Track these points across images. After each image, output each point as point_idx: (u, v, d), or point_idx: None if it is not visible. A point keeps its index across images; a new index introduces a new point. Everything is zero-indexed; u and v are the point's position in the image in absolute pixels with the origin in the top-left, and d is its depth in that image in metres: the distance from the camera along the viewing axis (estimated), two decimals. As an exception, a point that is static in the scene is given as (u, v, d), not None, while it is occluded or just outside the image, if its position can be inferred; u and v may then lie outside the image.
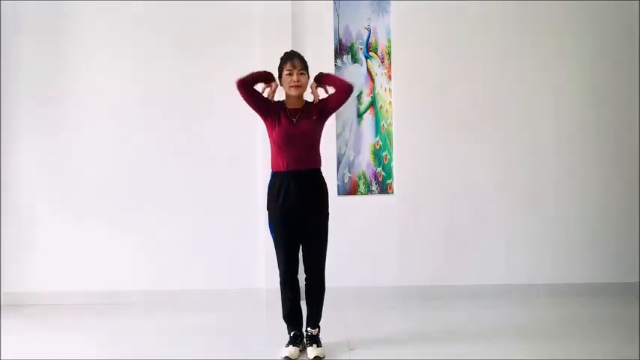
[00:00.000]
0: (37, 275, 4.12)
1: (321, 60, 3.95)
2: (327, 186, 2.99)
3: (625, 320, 3.45)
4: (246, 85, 2.92)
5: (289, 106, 2.95)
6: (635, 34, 4.09)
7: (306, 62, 2.95)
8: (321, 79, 3.01)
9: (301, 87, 2.91)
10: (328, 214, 2.98)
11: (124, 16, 4.14)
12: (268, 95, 2.98)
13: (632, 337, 3.11)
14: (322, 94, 3.02)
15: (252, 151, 4.07)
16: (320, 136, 2.98)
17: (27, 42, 4.14)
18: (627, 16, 4.10)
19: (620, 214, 4.11)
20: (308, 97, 3.01)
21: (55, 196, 4.14)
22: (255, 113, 2.99)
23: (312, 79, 3.00)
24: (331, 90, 3.02)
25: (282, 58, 2.97)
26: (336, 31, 4.17)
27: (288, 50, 3.04)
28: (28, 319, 3.76)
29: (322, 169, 2.99)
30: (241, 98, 2.93)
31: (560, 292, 4.04)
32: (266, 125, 2.97)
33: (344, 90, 2.96)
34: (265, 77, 2.99)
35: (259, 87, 2.99)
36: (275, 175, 2.94)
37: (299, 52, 3.01)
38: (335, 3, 4.16)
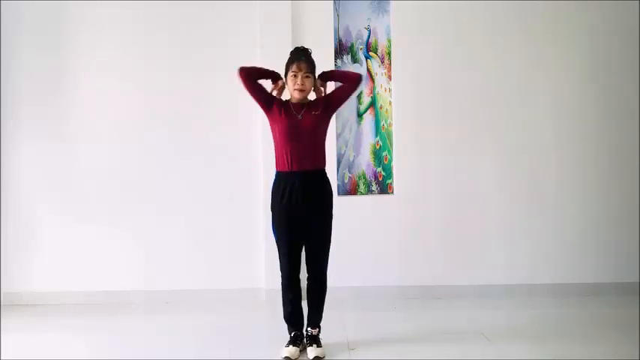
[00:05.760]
0: (37, 275, 4.12)
1: (321, 60, 3.94)
2: (332, 187, 2.99)
3: (625, 320, 3.45)
4: (249, 75, 2.92)
5: (294, 101, 2.94)
6: (635, 34, 4.09)
7: (313, 63, 2.93)
8: (328, 77, 3.02)
9: (305, 91, 2.90)
10: (332, 215, 2.98)
11: (124, 17, 4.13)
12: (276, 94, 2.99)
13: (632, 337, 3.11)
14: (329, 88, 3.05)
15: (252, 151, 4.07)
16: (325, 133, 2.96)
17: (27, 42, 4.13)
18: (627, 16, 4.10)
19: (620, 214, 4.10)
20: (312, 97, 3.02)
21: (55, 196, 4.13)
22: (258, 109, 2.99)
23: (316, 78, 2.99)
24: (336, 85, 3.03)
25: (290, 55, 2.95)
26: (336, 31, 4.17)
27: (299, 46, 3.01)
28: (28, 319, 3.76)
29: (323, 169, 3.00)
30: (243, 88, 2.93)
31: (561, 292, 4.04)
32: (269, 119, 2.95)
33: (352, 80, 2.97)
34: (272, 77, 3.00)
35: (267, 85, 2.99)
36: (279, 175, 2.93)
37: None
38: (335, 3, 4.16)
